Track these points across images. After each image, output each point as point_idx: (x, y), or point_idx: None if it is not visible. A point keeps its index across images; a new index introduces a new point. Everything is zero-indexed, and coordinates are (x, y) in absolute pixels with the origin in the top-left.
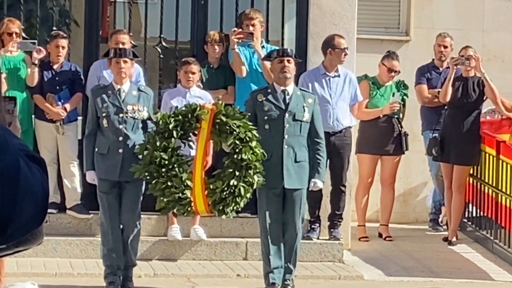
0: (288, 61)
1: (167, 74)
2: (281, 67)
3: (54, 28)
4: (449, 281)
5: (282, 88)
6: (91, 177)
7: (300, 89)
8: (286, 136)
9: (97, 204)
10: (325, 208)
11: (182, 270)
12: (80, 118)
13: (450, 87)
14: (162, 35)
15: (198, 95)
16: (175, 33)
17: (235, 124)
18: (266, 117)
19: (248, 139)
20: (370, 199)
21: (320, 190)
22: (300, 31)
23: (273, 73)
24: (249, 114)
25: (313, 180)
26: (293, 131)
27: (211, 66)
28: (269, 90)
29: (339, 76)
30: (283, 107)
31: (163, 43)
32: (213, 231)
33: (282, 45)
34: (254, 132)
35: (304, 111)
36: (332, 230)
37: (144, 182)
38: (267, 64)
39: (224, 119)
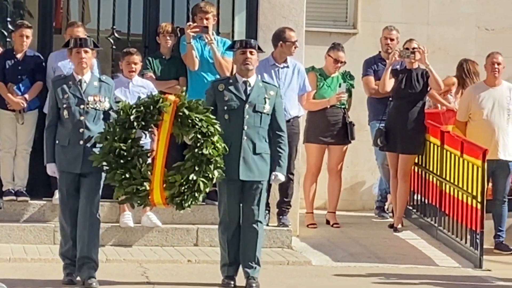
0: (251, 52)
1: (119, 65)
2: (243, 59)
3: (9, 19)
4: (394, 267)
5: (244, 79)
6: (52, 169)
7: (263, 81)
8: (245, 127)
9: (50, 191)
10: (274, 196)
11: (134, 255)
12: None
13: (388, 77)
14: (114, 27)
15: (141, 84)
16: (127, 25)
17: (197, 117)
18: (226, 107)
19: (210, 133)
20: (318, 187)
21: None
22: (250, 24)
23: (235, 64)
24: (213, 108)
25: (274, 173)
26: (253, 122)
27: (163, 57)
28: (230, 81)
29: (288, 67)
30: (244, 98)
31: (116, 35)
32: (165, 217)
33: (233, 37)
34: (217, 126)
35: (265, 103)
36: (280, 217)
37: (103, 174)
38: (220, 58)
39: (186, 112)
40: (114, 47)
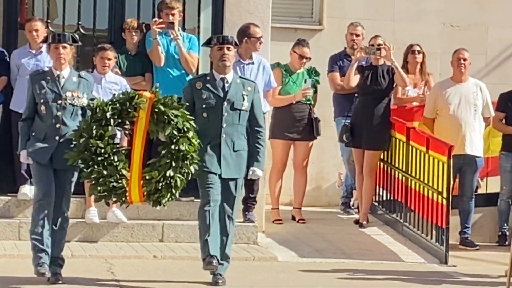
0: (228, 48)
1: (84, 60)
2: (220, 55)
3: None
4: (360, 262)
5: (221, 76)
6: (25, 156)
7: (240, 77)
8: (224, 125)
9: (15, 187)
10: None
11: (99, 251)
12: None
13: (353, 73)
14: (80, 22)
15: (113, 81)
16: (93, 20)
17: (173, 113)
18: (204, 105)
19: (186, 129)
20: (283, 183)
21: None
22: (216, 20)
23: (212, 60)
24: (187, 104)
25: (252, 168)
26: (232, 120)
27: (129, 53)
28: (208, 78)
29: (253, 63)
30: (222, 95)
31: (81, 30)
32: (130, 213)
33: (198, 33)
34: (192, 122)
35: (244, 99)
36: (246, 213)
37: (76, 173)
38: (186, 53)
39: (162, 108)
40: (79, 42)
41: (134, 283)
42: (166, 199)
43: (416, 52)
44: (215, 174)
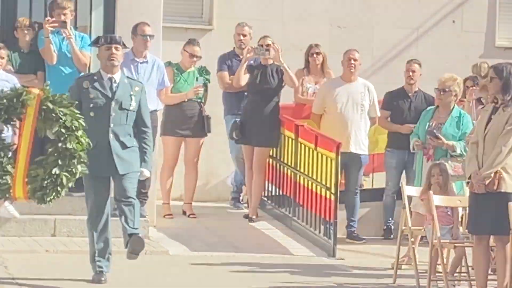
0: (116, 48)
1: None
2: (108, 55)
3: None
4: (250, 256)
5: (109, 75)
6: None
7: (127, 77)
8: (112, 125)
9: None
10: None
11: None
12: None
13: (243, 72)
14: None
15: (5, 79)
16: None
17: (61, 111)
18: (91, 105)
19: (74, 128)
20: (174, 178)
21: None
22: (107, 19)
23: (100, 60)
24: (77, 102)
25: (140, 169)
26: (120, 120)
27: (22, 51)
28: (95, 77)
29: (147, 62)
30: (110, 95)
31: None
32: (22, 208)
33: (90, 32)
34: (81, 121)
35: (131, 99)
36: None
37: None
38: (78, 52)
39: (51, 106)
40: None
41: (28, 277)
42: (51, 197)
43: (315, 55)
44: (101, 177)
